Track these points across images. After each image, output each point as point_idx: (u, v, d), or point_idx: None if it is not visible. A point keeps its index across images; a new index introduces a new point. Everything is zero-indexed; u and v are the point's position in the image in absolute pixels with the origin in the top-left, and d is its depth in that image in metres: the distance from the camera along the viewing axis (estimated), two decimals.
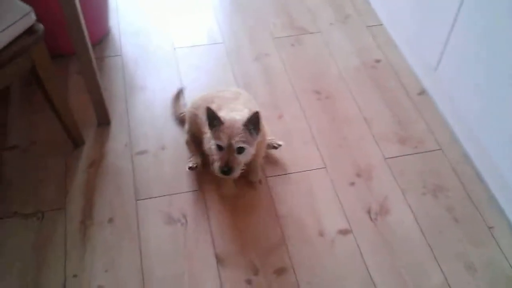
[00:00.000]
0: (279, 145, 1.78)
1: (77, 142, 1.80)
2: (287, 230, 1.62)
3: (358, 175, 1.77)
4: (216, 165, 1.47)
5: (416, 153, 1.85)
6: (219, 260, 1.54)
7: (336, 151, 1.85)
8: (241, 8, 2.44)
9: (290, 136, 1.89)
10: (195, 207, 1.67)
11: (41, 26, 1.44)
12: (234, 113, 1.51)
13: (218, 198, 1.69)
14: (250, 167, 1.67)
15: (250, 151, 1.49)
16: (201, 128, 1.64)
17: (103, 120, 1.88)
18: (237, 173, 1.49)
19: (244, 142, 1.45)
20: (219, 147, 1.47)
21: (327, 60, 2.19)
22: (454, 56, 1.77)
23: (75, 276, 1.49)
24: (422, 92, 2.06)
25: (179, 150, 1.82)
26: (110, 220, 1.62)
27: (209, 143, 1.54)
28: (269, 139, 1.77)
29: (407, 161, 1.82)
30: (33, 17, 1.42)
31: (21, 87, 2.01)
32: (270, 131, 1.79)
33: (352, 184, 1.75)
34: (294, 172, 1.78)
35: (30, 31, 1.42)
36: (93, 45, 2.15)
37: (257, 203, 1.69)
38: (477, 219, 1.66)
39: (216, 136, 1.47)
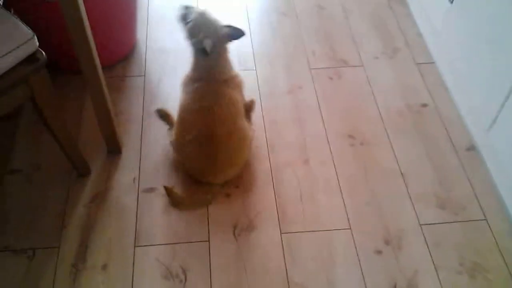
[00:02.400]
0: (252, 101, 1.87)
1: (81, 172, 1.66)
2: None
3: (387, 242, 1.56)
4: None
5: (456, 221, 1.62)
6: None
7: (364, 210, 1.64)
8: (280, 33, 2.23)
9: (315, 185, 1.69)
10: (198, 261, 1.50)
11: (43, 54, 1.30)
12: None
13: (224, 252, 1.52)
14: None
15: None
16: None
17: (114, 149, 1.74)
18: None
19: None
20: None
21: (367, 99, 1.97)
22: None
23: None
24: (472, 147, 1.81)
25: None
26: (104, 267, 1.48)
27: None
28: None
29: (445, 230, 1.59)
30: (35, 43, 1.28)
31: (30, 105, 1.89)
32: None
33: (379, 252, 1.54)
34: (313, 231, 1.58)
35: (31, 59, 1.28)
36: (117, 62, 2.03)
37: (267, 264, 1.50)
38: None
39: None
